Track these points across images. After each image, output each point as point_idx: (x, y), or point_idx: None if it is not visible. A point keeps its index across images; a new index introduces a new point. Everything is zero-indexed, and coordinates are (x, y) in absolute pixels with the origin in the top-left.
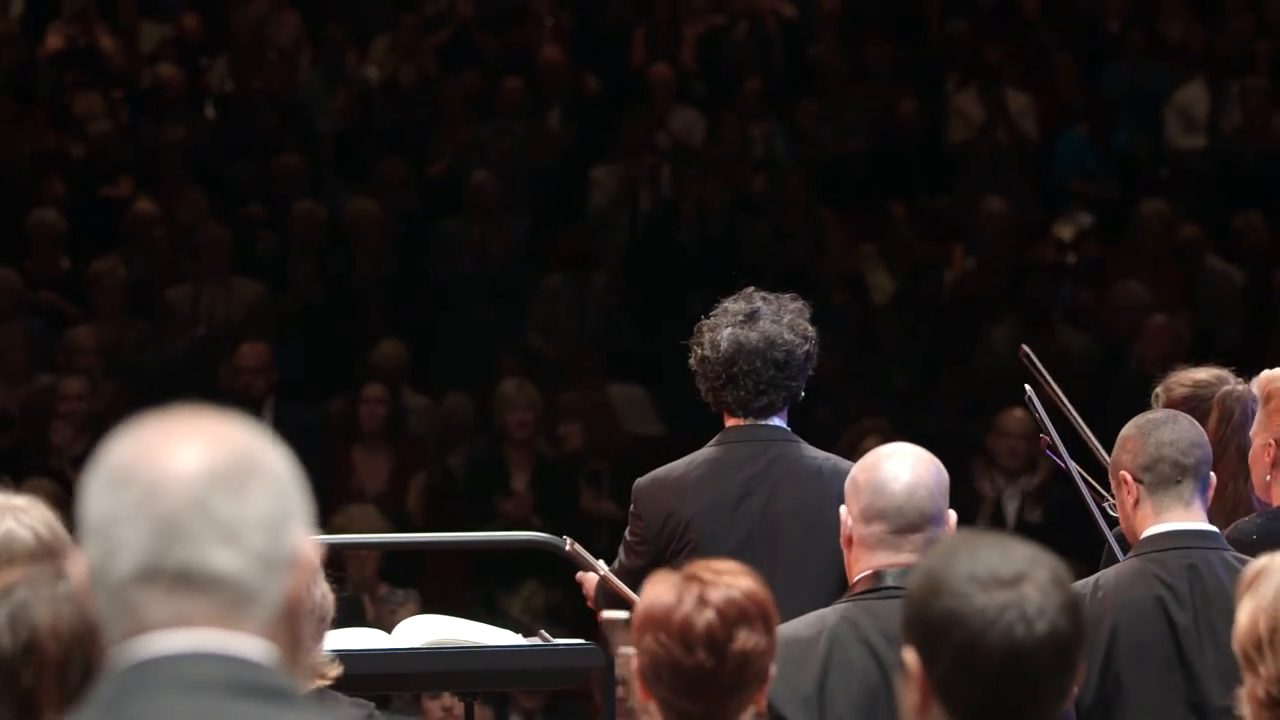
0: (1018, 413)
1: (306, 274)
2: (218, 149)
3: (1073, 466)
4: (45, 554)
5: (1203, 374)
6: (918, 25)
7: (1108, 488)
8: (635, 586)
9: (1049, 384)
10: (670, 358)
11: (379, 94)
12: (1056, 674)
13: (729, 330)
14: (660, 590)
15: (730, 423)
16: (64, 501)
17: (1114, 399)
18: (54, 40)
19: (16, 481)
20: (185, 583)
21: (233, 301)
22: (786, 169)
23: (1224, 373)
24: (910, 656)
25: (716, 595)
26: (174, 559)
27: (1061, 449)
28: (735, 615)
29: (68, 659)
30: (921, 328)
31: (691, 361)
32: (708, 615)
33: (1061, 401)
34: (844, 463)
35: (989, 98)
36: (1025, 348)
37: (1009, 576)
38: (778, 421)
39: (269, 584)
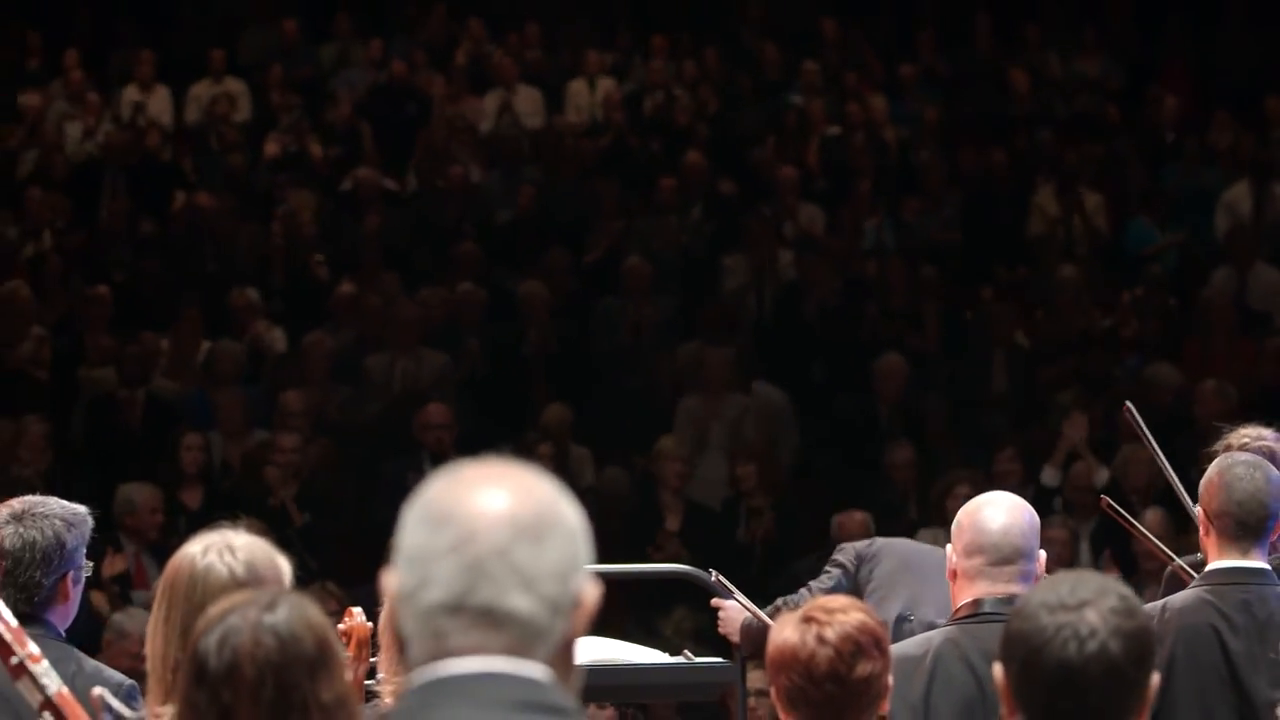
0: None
1: (483, 345)
2: (408, 238)
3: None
4: (236, 590)
5: (1250, 429)
6: (1007, 134)
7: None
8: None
9: (1148, 437)
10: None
11: (546, 191)
12: (1107, 691)
13: None
14: (785, 633)
15: None
16: (272, 538)
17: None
18: (272, 147)
19: (234, 520)
20: (486, 618)
21: (421, 369)
22: (893, 256)
23: (1266, 431)
24: (998, 671)
25: (832, 633)
26: (478, 598)
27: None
28: (852, 649)
29: (261, 682)
30: (1007, 389)
31: None
32: (827, 652)
33: (1155, 451)
34: None
35: (1067, 195)
36: (1129, 404)
37: (1073, 602)
38: None
39: (556, 624)
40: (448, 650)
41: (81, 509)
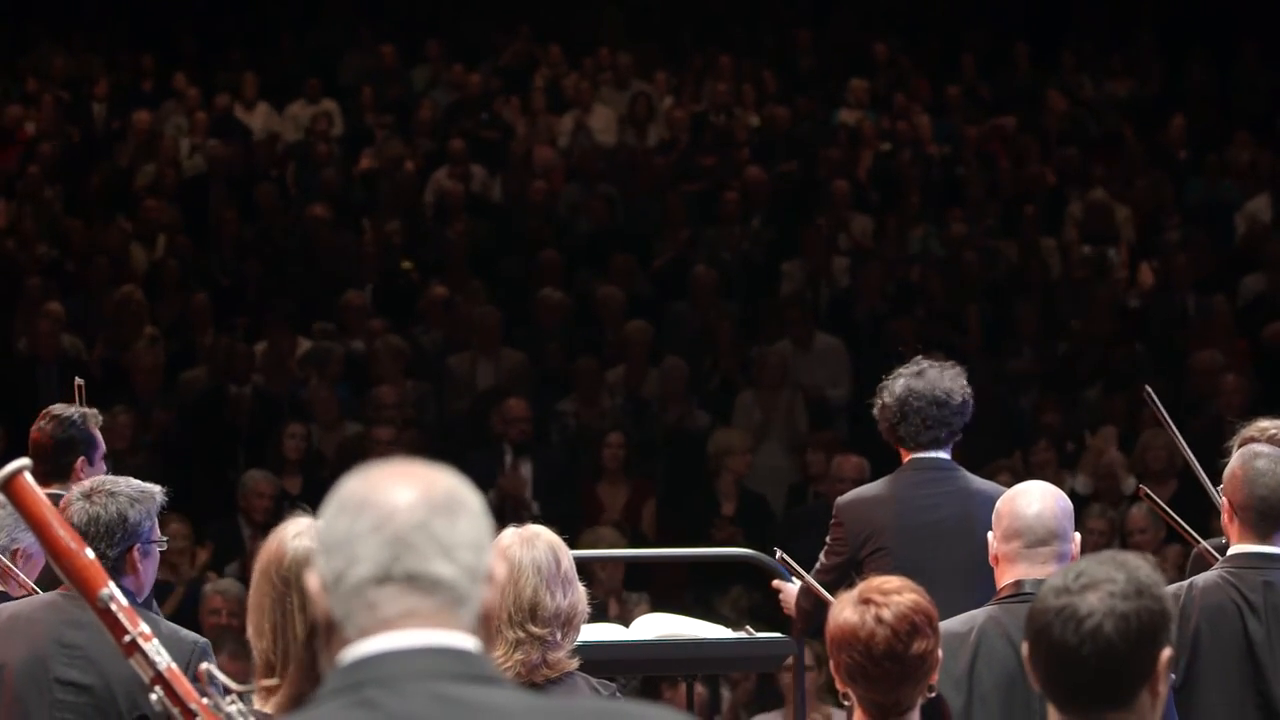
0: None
1: (559, 346)
2: (492, 247)
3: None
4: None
5: (1266, 422)
6: (1042, 151)
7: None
8: (831, 585)
9: (1165, 417)
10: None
11: (619, 203)
12: (1102, 669)
13: (902, 380)
14: (845, 613)
15: (907, 457)
16: None
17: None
18: (365, 162)
19: None
20: (413, 584)
21: (501, 367)
22: (938, 263)
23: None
24: (1025, 647)
25: (889, 614)
26: (404, 566)
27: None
28: (907, 628)
29: None
30: (1039, 384)
31: (874, 410)
32: (884, 632)
33: (1174, 432)
34: (999, 488)
35: (1093, 208)
36: (1147, 388)
37: (1076, 586)
38: (944, 454)
39: (474, 591)
40: (380, 619)
41: (152, 486)
